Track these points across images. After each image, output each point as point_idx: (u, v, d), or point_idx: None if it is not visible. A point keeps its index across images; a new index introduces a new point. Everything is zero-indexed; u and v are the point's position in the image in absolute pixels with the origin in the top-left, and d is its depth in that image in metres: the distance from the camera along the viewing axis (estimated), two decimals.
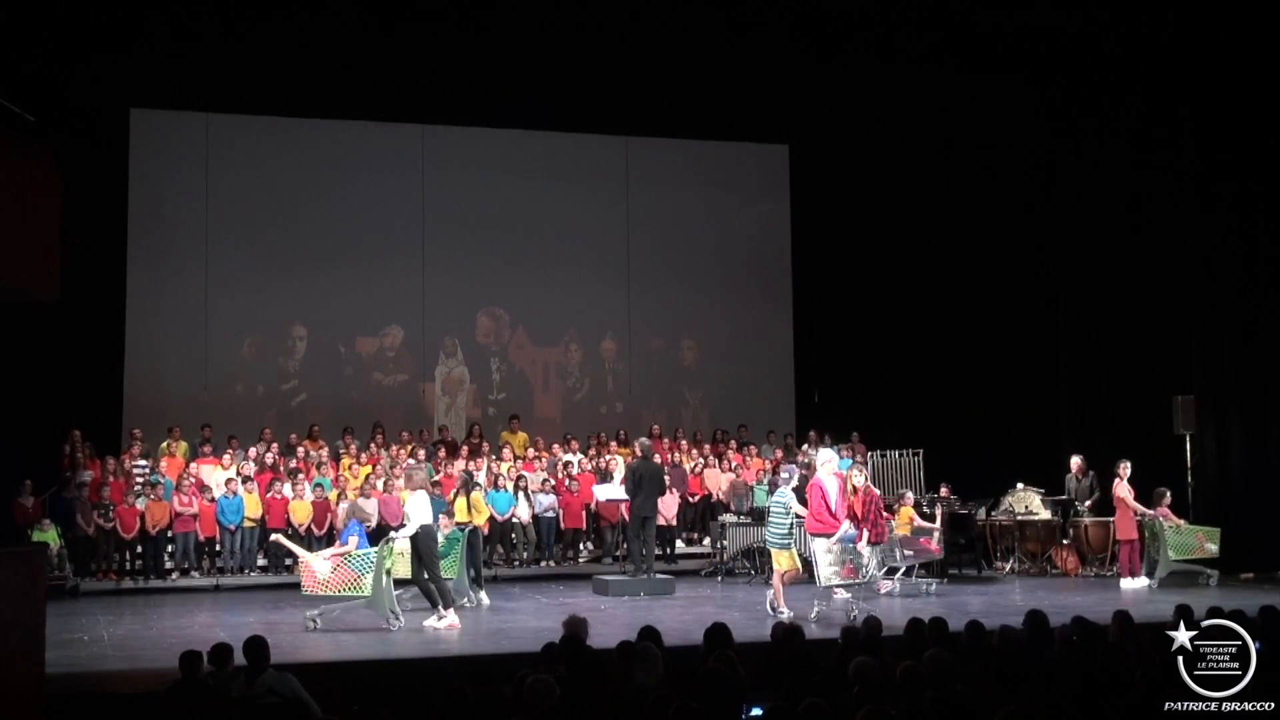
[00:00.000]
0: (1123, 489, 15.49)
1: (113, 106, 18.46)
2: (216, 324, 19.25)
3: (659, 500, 16.19)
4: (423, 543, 12.43)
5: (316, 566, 12.59)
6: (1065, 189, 19.49)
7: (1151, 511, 15.42)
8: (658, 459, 17.49)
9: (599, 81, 17.56)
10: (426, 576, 12.46)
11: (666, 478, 17.36)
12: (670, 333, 21.63)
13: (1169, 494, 15.62)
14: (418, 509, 12.48)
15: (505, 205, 20.62)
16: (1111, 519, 16.18)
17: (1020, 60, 17.17)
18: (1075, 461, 16.90)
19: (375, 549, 12.47)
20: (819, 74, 17.41)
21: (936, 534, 15.43)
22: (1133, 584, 15.16)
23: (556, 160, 20.95)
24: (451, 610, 12.41)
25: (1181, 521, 15.58)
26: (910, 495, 15.91)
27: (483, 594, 14.26)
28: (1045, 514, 16.87)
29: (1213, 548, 15.34)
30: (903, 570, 15.09)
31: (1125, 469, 15.65)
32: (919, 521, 15.49)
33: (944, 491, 17.11)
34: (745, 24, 16.07)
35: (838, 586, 12.70)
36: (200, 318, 19.11)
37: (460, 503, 15.44)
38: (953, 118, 19.32)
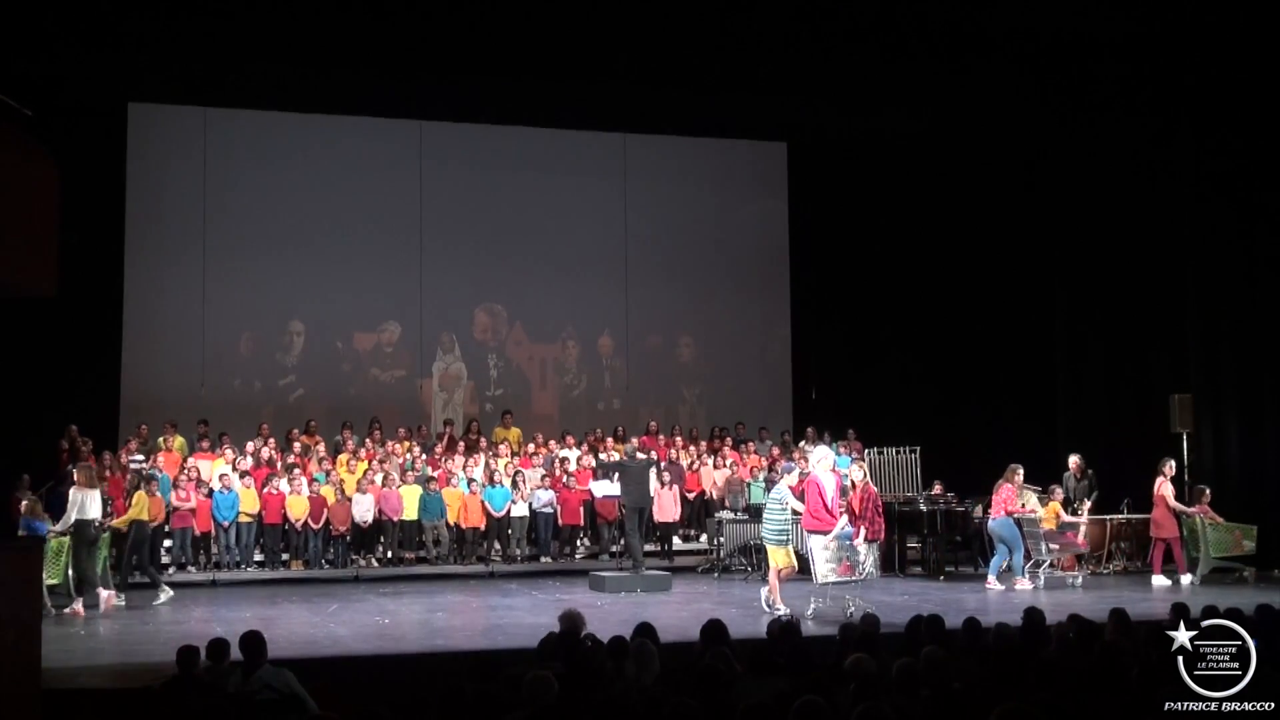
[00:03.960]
0: (1166, 487, 15.61)
1: (110, 101, 18.44)
2: (214, 319, 19.24)
3: (656, 496, 16.29)
4: (75, 536, 13.17)
5: None
6: (1063, 189, 19.51)
7: (1193, 509, 15.56)
8: (653, 454, 17.54)
9: (597, 77, 17.54)
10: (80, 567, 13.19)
11: (666, 474, 17.40)
12: (668, 329, 21.62)
13: (1209, 491, 15.77)
14: (76, 505, 13.17)
15: (503, 201, 20.61)
16: (1108, 517, 16.31)
17: (1017, 58, 17.16)
18: (1074, 460, 16.91)
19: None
20: (818, 71, 17.40)
21: (1082, 529, 15.59)
22: (1164, 581, 15.26)
23: (554, 156, 20.93)
24: (80, 600, 13.07)
25: (1220, 519, 15.70)
26: (1059, 491, 15.90)
27: (107, 593, 13.66)
28: (1042, 512, 16.85)
29: (1249, 544, 15.50)
30: (1048, 563, 15.30)
31: (1170, 468, 15.79)
32: (1065, 516, 15.60)
33: (937, 489, 17.15)
34: (744, 20, 16.07)
35: (834, 584, 12.69)
36: (197, 313, 19.09)
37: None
38: (950, 116, 19.31)
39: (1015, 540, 15.22)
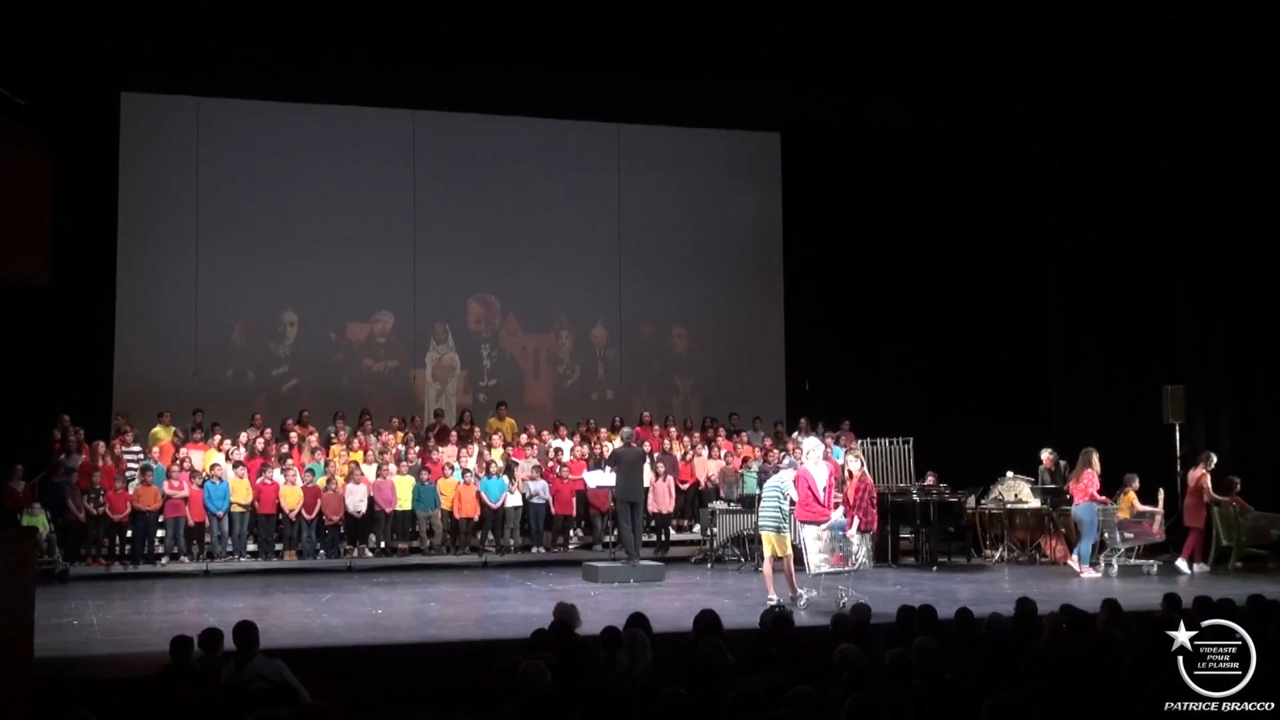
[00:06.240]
0: (1207, 480, 15.74)
1: (103, 90, 18.38)
2: (207, 309, 19.19)
3: (649, 486, 16.25)
4: None
5: None
6: (1057, 180, 19.52)
7: (1227, 499, 15.68)
8: (646, 446, 17.53)
9: (591, 68, 17.49)
10: None
11: (659, 465, 17.40)
12: (661, 320, 21.61)
13: (1239, 482, 15.89)
14: None
15: (497, 192, 20.58)
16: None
17: (1012, 50, 17.15)
18: (1046, 455, 16.96)
19: None
20: (812, 61, 17.37)
21: (1158, 518, 15.69)
22: (1194, 569, 15.38)
23: (548, 147, 20.90)
24: None
25: (1251, 508, 15.84)
26: (1136, 480, 15.91)
27: None
28: (1034, 502, 16.92)
29: (1276, 533, 15.72)
30: (1122, 551, 15.41)
31: (1211, 461, 15.91)
32: (1140, 506, 15.66)
33: (930, 480, 17.17)
34: (738, 10, 16.04)
35: (827, 574, 12.71)
36: (191, 303, 19.05)
37: None
38: (945, 106, 19.29)
39: (1095, 526, 15.30)
